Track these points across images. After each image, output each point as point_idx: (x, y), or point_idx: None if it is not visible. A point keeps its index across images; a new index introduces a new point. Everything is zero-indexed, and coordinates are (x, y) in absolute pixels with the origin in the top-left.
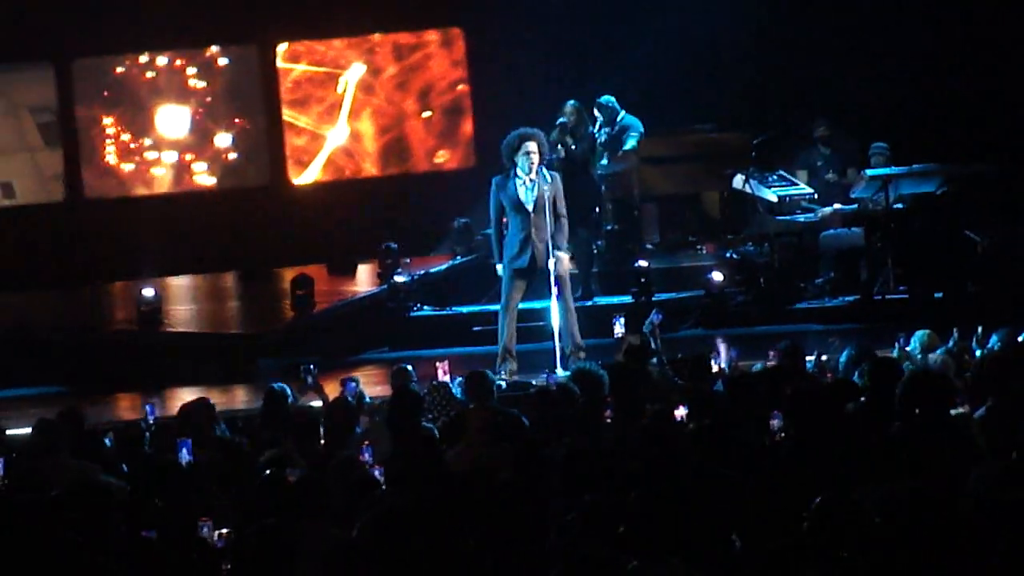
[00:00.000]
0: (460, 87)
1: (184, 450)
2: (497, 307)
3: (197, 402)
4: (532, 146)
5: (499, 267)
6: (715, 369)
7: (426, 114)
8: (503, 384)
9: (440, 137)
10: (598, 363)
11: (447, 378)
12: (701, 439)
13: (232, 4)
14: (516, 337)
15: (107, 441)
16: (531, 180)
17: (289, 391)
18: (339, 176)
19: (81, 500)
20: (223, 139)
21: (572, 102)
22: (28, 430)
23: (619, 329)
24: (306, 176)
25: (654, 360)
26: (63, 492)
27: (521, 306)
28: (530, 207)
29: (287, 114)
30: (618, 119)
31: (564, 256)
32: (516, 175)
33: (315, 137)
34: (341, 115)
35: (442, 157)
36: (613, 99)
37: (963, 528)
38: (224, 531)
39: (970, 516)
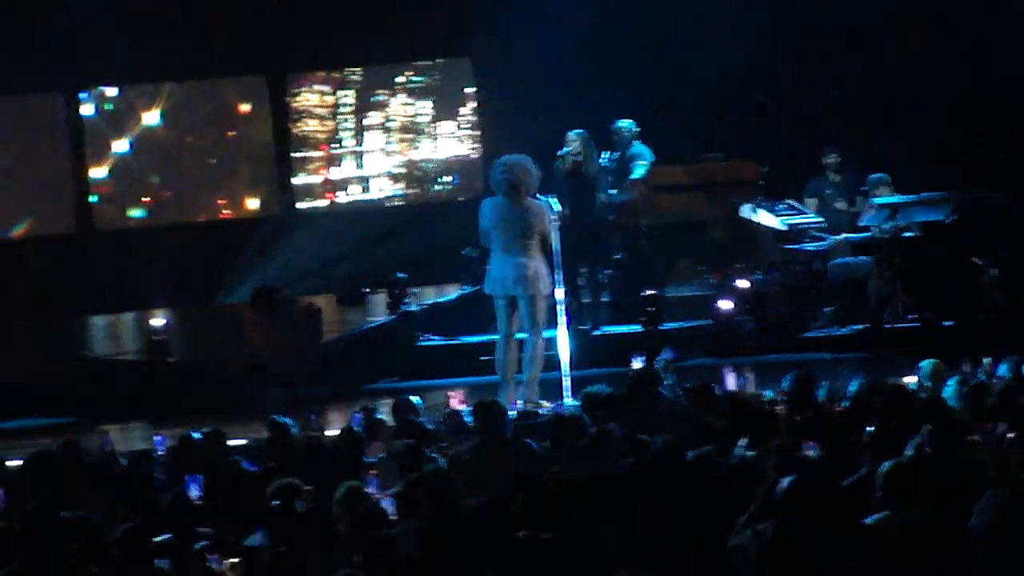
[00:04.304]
0: (470, 116)
1: (193, 485)
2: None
3: (208, 433)
4: (510, 175)
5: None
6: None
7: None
8: (513, 413)
9: (448, 166)
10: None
11: (460, 407)
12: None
13: (237, 35)
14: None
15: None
16: (519, 205)
17: (291, 422)
18: (347, 204)
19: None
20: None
21: (579, 131)
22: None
23: (637, 364)
24: (312, 204)
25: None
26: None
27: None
28: (512, 231)
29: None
30: (629, 148)
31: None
32: (501, 198)
33: (327, 162)
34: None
35: (450, 187)
36: (632, 124)
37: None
38: (234, 561)
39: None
